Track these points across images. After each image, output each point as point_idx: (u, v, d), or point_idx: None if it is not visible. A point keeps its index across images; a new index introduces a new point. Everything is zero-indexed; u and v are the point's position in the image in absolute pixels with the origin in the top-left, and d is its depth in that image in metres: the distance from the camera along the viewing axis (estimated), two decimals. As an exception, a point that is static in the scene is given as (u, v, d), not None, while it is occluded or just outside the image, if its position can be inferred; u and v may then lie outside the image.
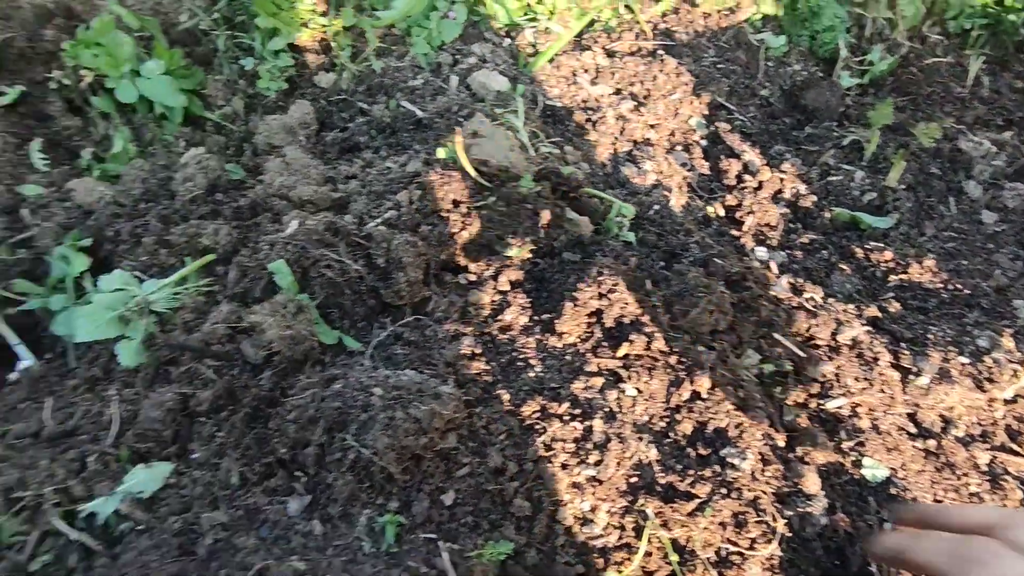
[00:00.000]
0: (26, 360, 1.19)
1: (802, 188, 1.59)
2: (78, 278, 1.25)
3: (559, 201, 1.30)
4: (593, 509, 0.96)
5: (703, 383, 1.03)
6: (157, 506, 0.92)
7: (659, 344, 1.07)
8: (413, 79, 1.80)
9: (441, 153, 1.32)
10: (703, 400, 1.03)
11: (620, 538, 0.94)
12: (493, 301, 1.18)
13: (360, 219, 1.23)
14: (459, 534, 0.93)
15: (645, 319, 1.10)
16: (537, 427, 1.02)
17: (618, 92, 1.81)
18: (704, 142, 1.75)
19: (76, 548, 0.91)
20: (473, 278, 1.21)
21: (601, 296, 1.13)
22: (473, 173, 1.25)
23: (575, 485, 0.97)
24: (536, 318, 1.17)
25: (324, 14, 1.90)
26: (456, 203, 1.25)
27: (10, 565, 0.89)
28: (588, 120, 1.73)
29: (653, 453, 0.98)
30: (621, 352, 1.08)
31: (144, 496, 0.91)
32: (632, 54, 1.88)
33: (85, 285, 1.23)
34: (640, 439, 0.99)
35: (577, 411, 1.02)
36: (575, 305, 1.13)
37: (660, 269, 1.24)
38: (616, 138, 1.71)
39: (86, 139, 1.67)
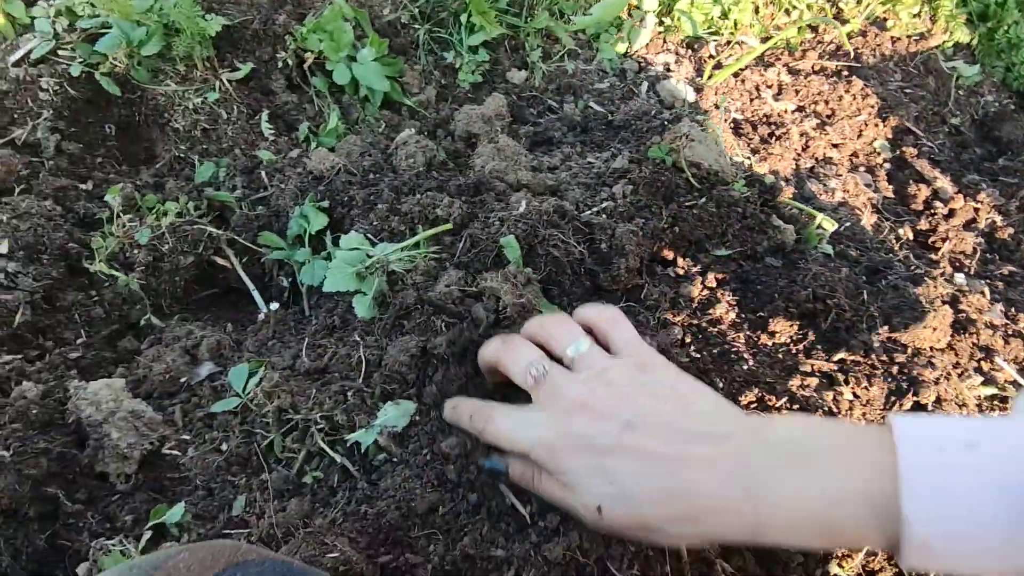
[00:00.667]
0: (273, 304, 1.33)
1: (998, 219, 1.56)
2: (315, 236, 1.38)
3: (765, 208, 1.34)
4: (812, 501, 0.99)
5: (928, 396, 1.05)
6: (407, 440, 1.01)
7: (878, 353, 1.09)
8: (600, 82, 1.88)
9: (653, 152, 1.38)
10: (928, 412, 1.05)
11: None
12: (702, 295, 1.22)
13: (577, 207, 1.31)
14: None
15: (862, 328, 1.13)
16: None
17: (801, 109, 1.83)
18: (888, 165, 1.75)
19: (338, 469, 1.01)
20: (681, 272, 1.27)
21: (816, 299, 1.16)
22: (688, 173, 1.30)
23: (793, 476, 1.01)
24: (744, 316, 1.21)
25: (517, 15, 2.01)
26: (668, 200, 1.31)
27: (280, 477, 1.01)
28: (771, 134, 1.76)
29: (876, 455, 1.00)
30: (837, 356, 1.11)
31: (397, 430, 1.01)
32: (816, 73, 1.89)
33: (324, 242, 1.36)
34: (861, 441, 1.01)
35: (795, 407, 1.06)
36: (788, 307, 1.17)
37: (864, 283, 1.26)
38: (799, 154, 1.73)
39: (301, 114, 1.83)
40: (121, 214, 1.38)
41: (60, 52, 1.64)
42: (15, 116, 1.56)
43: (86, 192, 1.48)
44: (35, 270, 1.22)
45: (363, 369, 1.11)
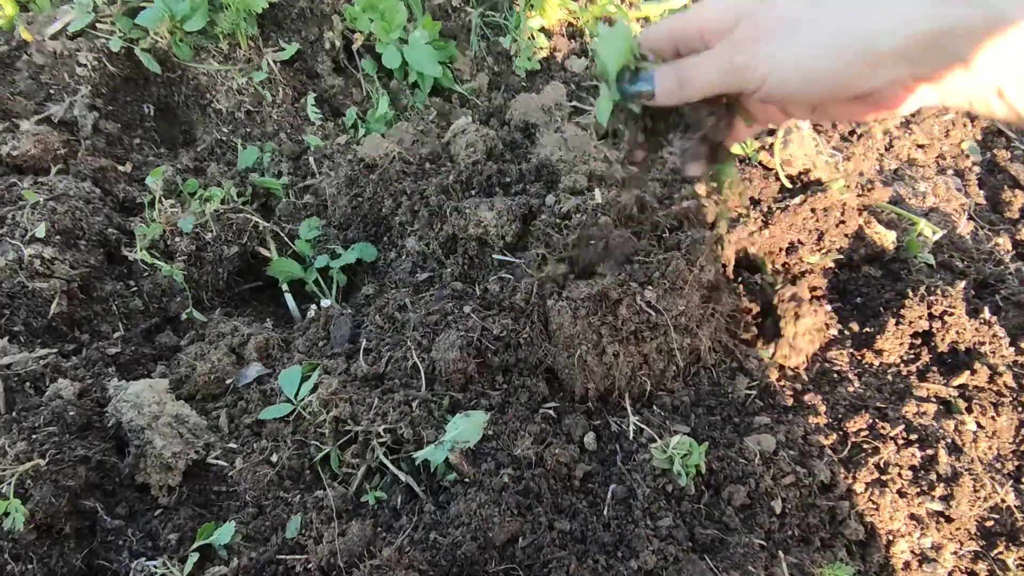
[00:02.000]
0: (325, 300, 1.23)
1: (1107, 231, 1.43)
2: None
3: (862, 212, 1.22)
4: (937, 547, 0.87)
5: (1067, 428, 0.93)
6: (480, 459, 0.91)
7: (1006, 379, 0.97)
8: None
9: (735, 148, 1.26)
10: (1066, 447, 0.93)
11: (970, 584, 0.85)
12: (796, 308, 1.11)
13: (660, 201, 1.20)
14: (790, 546, 0.87)
15: (986, 349, 1.01)
16: (866, 446, 0.94)
17: (884, 107, 1.70)
18: (979, 169, 1.62)
19: (402, 489, 0.91)
20: (769, 279, 1.15)
21: (932, 317, 1.04)
22: (780, 172, 1.19)
23: (914, 517, 0.89)
24: (844, 331, 1.09)
25: (576, 0, 1.89)
26: (755, 201, 1.19)
27: (338, 496, 0.91)
28: (852, 132, 1.63)
29: (1012, 498, 0.88)
30: (958, 381, 0.99)
31: (470, 446, 0.90)
32: (900, 68, 1.76)
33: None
34: (993, 479, 0.90)
35: (912, 436, 0.94)
36: (898, 323, 1.05)
37: (974, 298, 1.14)
38: (882, 154, 1.60)
39: (348, 98, 1.72)
40: (163, 199, 1.28)
41: (99, 25, 1.54)
42: (51, 92, 1.47)
43: (125, 175, 1.38)
44: (72, 257, 1.13)
45: (422, 376, 1.01)
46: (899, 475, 0.91)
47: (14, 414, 0.90)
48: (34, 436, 0.85)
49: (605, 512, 0.89)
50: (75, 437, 0.88)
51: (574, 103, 1.70)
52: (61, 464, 0.82)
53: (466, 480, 0.90)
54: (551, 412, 1.00)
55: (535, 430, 0.94)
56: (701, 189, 1.19)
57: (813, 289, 1.13)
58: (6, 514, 0.76)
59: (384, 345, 1.09)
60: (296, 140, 1.56)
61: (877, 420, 0.96)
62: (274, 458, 0.95)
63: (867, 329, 1.07)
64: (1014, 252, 1.42)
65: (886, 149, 1.62)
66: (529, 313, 1.04)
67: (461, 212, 1.23)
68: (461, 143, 1.41)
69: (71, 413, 0.91)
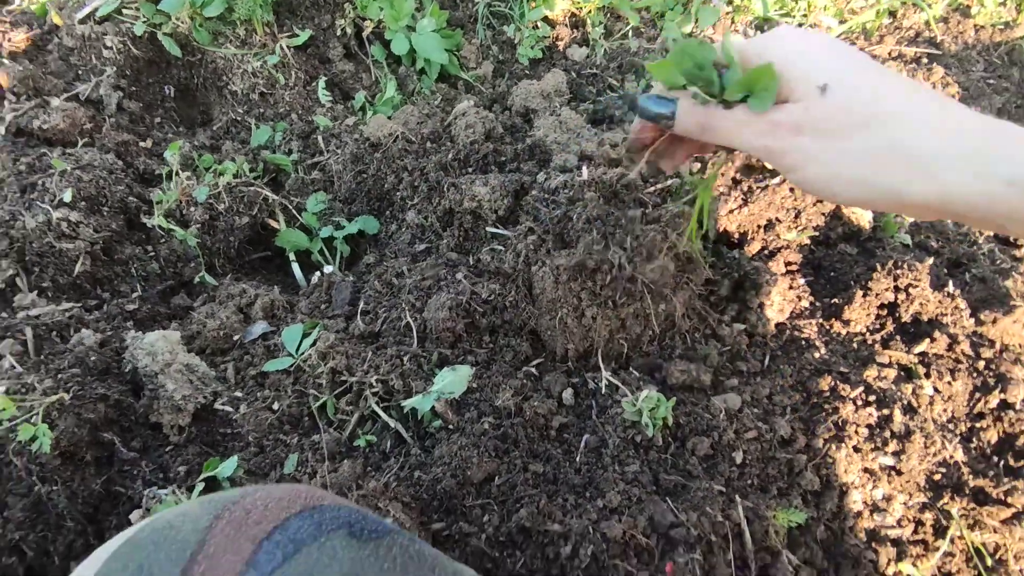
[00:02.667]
0: (327, 267, 1.31)
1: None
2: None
3: (840, 191, 1.28)
4: (887, 498, 0.93)
5: (1017, 394, 0.98)
6: (464, 408, 0.98)
7: (964, 347, 1.03)
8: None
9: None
10: (1016, 411, 0.98)
11: (916, 532, 0.91)
12: (768, 280, 1.17)
13: (645, 180, 1.26)
14: (748, 492, 0.93)
15: (947, 320, 1.06)
16: (826, 406, 1.00)
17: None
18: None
19: (392, 435, 0.99)
20: (746, 255, 1.21)
21: (898, 289, 1.10)
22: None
23: (868, 471, 0.95)
24: (816, 303, 1.15)
25: (579, -9, 1.96)
26: (736, 181, 1.25)
27: (332, 439, 0.98)
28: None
29: (960, 454, 0.94)
30: (918, 348, 1.05)
31: (455, 397, 0.98)
32: (894, 59, 1.81)
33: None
34: (944, 437, 0.95)
35: (871, 398, 1.00)
36: (865, 295, 1.10)
37: (946, 275, 1.19)
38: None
39: (358, 83, 1.81)
40: (179, 171, 1.37)
41: (125, 11, 1.64)
42: (79, 72, 1.57)
43: (146, 149, 1.48)
44: (96, 221, 1.22)
45: (414, 334, 1.08)
46: (855, 432, 0.97)
47: (42, 357, 0.99)
48: (59, 376, 0.94)
49: (577, 459, 0.96)
50: (96, 379, 0.97)
51: (573, 90, 1.77)
52: (83, 400, 0.91)
53: (450, 427, 0.97)
54: (533, 370, 1.07)
55: (516, 384, 1.01)
56: (686, 169, 1.25)
57: (788, 264, 1.19)
58: (34, 439, 0.85)
59: (381, 307, 1.17)
60: (306, 120, 1.64)
61: (839, 383, 1.02)
62: (275, 405, 1.04)
63: (836, 300, 1.13)
64: (990, 234, 1.46)
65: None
66: (515, 279, 1.12)
67: (458, 187, 1.30)
68: (461, 124, 1.48)
69: (92, 358, 0.99)
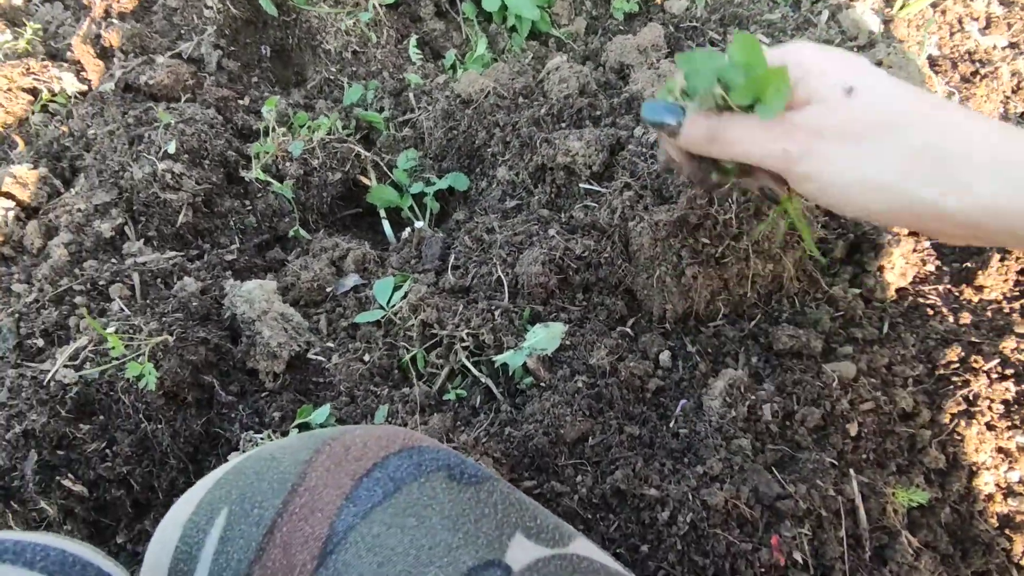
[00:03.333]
0: (418, 223, 1.30)
1: None
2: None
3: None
4: (1025, 481, 0.84)
5: None
6: (556, 366, 0.95)
7: (1123, 317, 0.91)
8: (770, 12, 1.70)
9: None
10: None
11: (1060, 520, 0.82)
12: (889, 242, 1.07)
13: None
14: (863, 467, 0.86)
15: (1102, 287, 0.94)
16: (955, 379, 0.91)
17: (1014, 46, 1.57)
18: (1122, 114, 1.47)
19: (482, 390, 0.97)
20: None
21: (1042, 253, 0.98)
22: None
23: (1002, 450, 0.86)
24: (943, 267, 1.04)
25: (680, -60, 1.85)
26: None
27: (422, 392, 0.97)
28: (975, 73, 1.52)
29: (1116, 436, 0.84)
30: (1066, 318, 0.93)
31: (547, 354, 0.95)
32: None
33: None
34: (1096, 417, 0.85)
35: (1008, 371, 0.90)
36: (1003, 259, 0.99)
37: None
38: (1007, 96, 1.48)
39: (448, 41, 1.78)
40: (275, 127, 1.39)
41: (225, -29, 1.67)
42: (182, 32, 1.61)
43: (243, 106, 1.50)
44: (198, 173, 1.25)
45: (506, 289, 1.06)
46: (989, 408, 0.88)
47: (147, 302, 1.03)
48: (164, 319, 0.97)
49: (673, 424, 0.91)
50: (197, 323, 0.99)
51: (671, 45, 1.68)
52: (185, 342, 0.94)
53: (542, 384, 0.94)
54: (628, 330, 1.03)
55: (611, 344, 0.97)
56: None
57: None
58: (141, 376, 0.88)
59: (471, 263, 1.14)
60: (398, 79, 1.63)
61: (970, 354, 0.92)
62: (366, 357, 1.04)
63: (967, 264, 1.02)
64: None
65: (1013, 91, 1.50)
66: (611, 235, 1.07)
67: (551, 143, 1.25)
68: (555, 79, 1.43)
69: (194, 304, 1.02)
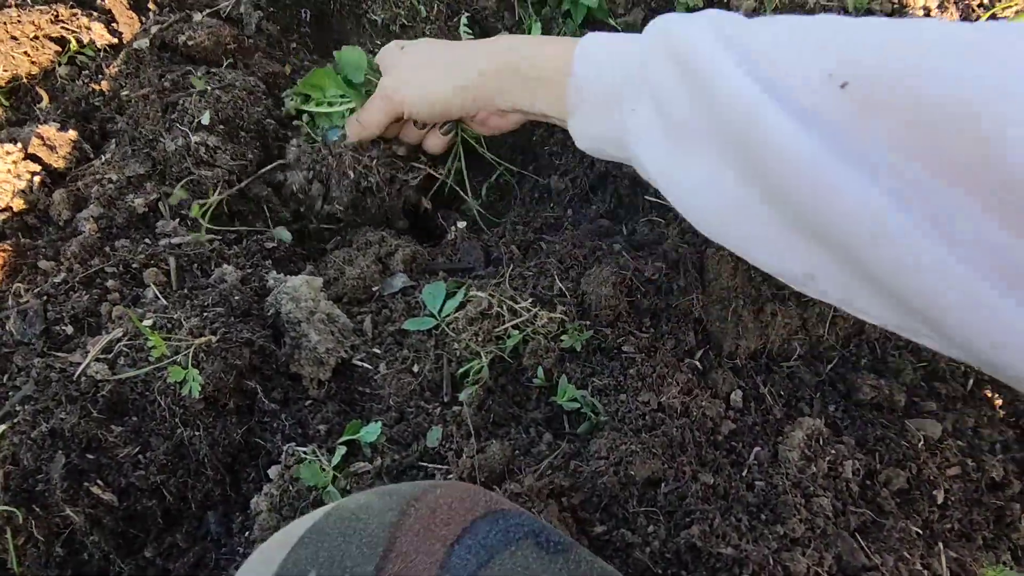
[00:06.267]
0: (460, 222, 1.23)
1: None
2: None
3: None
4: (1121, 569, 0.79)
5: None
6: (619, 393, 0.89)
7: None
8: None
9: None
10: None
11: None
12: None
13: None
14: (949, 539, 0.81)
15: None
16: (1048, 449, 0.86)
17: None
18: None
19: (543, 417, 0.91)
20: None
21: None
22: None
23: (1098, 533, 0.81)
24: None
25: (750, -65, 1.75)
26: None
27: (478, 414, 0.91)
28: None
29: None
30: None
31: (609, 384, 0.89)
32: None
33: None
34: None
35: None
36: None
37: None
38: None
39: (500, 21, 1.68)
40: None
41: (268, -76, 1.55)
42: (221, -12, 1.50)
43: (284, 76, 1.41)
44: (233, 148, 1.16)
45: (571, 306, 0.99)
46: (1087, 485, 0.83)
47: (185, 291, 0.95)
48: (205, 314, 0.89)
49: (745, 473, 0.86)
50: (239, 320, 0.92)
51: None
52: (230, 343, 0.86)
53: (605, 418, 0.88)
54: (697, 363, 0.96)
55: (683, 379, 0.91)
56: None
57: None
58: (183, 381, 0.80)
59: (528, 272, 1.07)
60: (447, 58, 1.54)
61: None
62: (415, 368, 0.97)
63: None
64: None
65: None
66: (683, 260, 1.00)
67: (615, 148, 1.18)
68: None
69: (236, 297, 0.94)
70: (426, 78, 1.00)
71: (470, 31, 1.62)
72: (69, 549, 0.79)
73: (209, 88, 1.20)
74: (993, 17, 1.59)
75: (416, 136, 1.13)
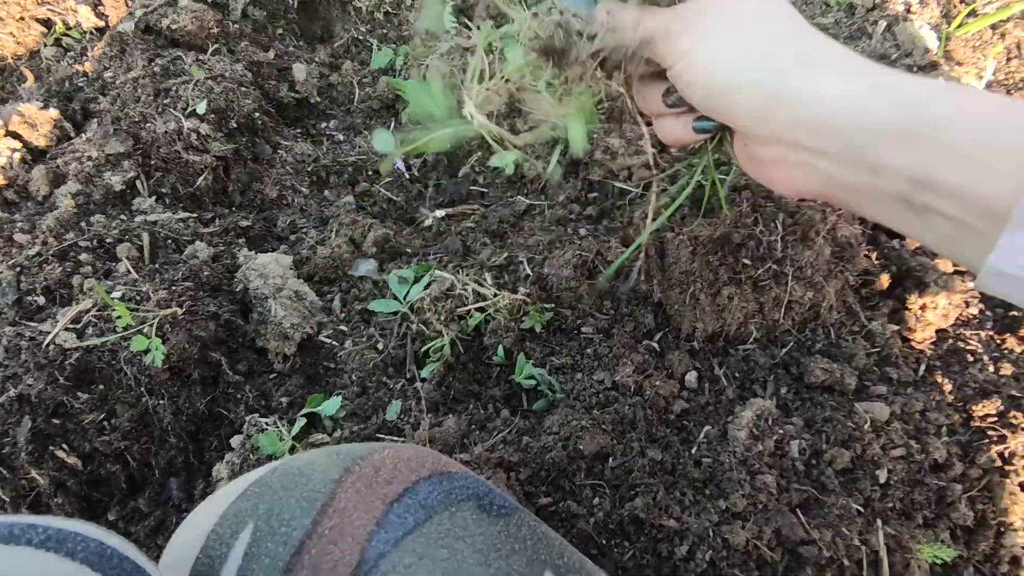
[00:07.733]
0: (438, 211, 1.25)
1: None
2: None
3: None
4: (1055, 548, 0.81)
5: None
6: (573, 372, 0.91)
7: None
8: (822, 16, 1.63)
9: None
10: None
11: (1087, 593, 0.79)
12: (935, 280, 1.03)
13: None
14: (889, 517, 0.83)
15: None
16: (991, 433, 0.88)
17: (1072, 79, 1.51)
18: None
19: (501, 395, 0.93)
20: (909, 247, 1.07)
21: (1094, 310, 0.94)
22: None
23: (1034, 513, 0.83)
24: (987, 312, 1.01)
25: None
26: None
27: (436, 389, 0.93)
28: (1029, 98, 1.46)
29: None
30: (1112, 382, 0.90)
31: (565, 364, 0.91)
32: None
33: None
34: None
35: (1049, 433, 0.87)
36: (1052, 311, 0.95)
37: None
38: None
39: (485, 11, 1.70)
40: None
41: (256, -89, 1.58)
42: (208, -27, 1.52)
43: (268, 62, 1.43)
44: (223, 136, 1.19)
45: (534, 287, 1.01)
46: (1024, 468, 0.85)
47: (156, 266, 0.98)
48: (173, 288, 0.92)
49: (695, 451, 0.88)
50: (207, 295, 0.95)
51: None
52: (195, 316, 0.89)
53: (559, 395, 0.90)
54: (655, 345, 0.99)
55: (638, 360, 0.93)
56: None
57: (956, 263, 1.04)
58: (147, 351, 0.83)
59: (496, 256, 1.09)
60: (430, 46, 1.56)
61: (1010, 408, 0.89)
62: (380, 346, 0.99)
63: (1013, 313, 0.98)
64: None
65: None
66: (644, 243, 1.02)
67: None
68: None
69: (205, 273, 0.97)
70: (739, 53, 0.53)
71: (454, 20, 1.64)
72: (35, 511, 0.82)
73: (203, 78, 1.22)
74: (973, 13, 1.61)
75: (657, 109, 0.64)
